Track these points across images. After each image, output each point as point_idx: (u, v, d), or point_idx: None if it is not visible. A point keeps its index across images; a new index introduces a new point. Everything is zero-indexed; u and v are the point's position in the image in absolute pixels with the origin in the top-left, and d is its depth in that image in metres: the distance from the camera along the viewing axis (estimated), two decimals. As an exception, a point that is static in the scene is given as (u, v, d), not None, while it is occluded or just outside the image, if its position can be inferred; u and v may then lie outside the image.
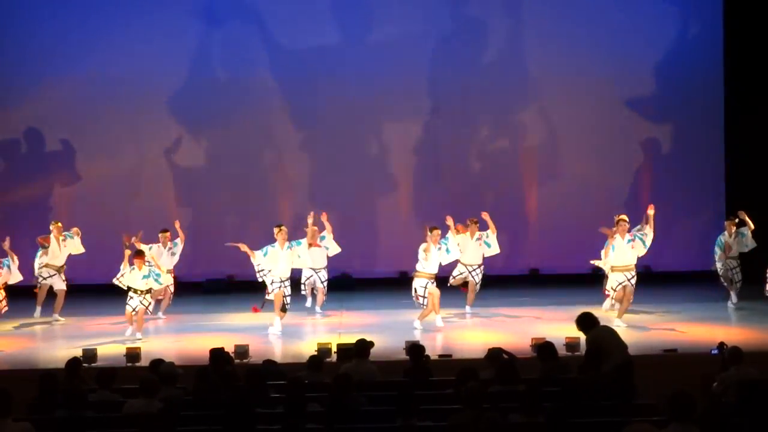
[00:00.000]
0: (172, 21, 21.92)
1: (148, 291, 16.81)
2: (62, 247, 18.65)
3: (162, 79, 21.91)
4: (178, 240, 18.84)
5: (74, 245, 18.79)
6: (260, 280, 17.27)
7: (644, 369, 13.12)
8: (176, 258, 18.89)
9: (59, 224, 18.77)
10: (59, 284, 18.62)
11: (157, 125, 22.04)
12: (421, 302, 17.14)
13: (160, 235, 18.75)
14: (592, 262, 18.29)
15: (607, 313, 17.22)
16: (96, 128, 21.94)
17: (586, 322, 12.54)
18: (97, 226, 20.87)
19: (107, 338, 16.42)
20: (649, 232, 17.07)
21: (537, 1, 22.27)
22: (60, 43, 21.83)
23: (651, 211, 17.17)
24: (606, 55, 22.03)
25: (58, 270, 18.63)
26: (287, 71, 21.98)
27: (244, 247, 16.99)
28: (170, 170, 22.18)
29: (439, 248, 17.28)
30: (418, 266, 17.28)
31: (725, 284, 18.72)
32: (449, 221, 17.69)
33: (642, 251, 17.20)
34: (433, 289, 17.07)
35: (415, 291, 17.19)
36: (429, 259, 17.09)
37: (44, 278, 18.54)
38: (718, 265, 18.62)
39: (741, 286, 18.64)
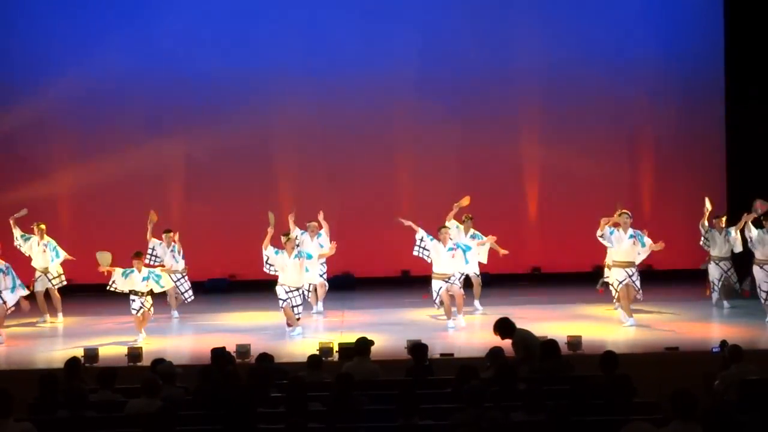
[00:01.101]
0: (170, 17, 21.91)
1: (150, 292, 16.79)
2: (42, 251, 18.54)
3: (160, 77, 21.88)
4: (175, 246, 18.75)
5: (58, 257, 18.68)
6: (266, 270, 17.22)
7: (645, 367, 13.16)
8: (180, 263, 18.80)
9: (42, 226, 18.62)
10: (51, 284, 18.59)
11: (157, 125, 22.00)
12: (439, 303, 17.16)
13: (163, 235, 18.74)
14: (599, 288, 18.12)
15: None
16: (94, 128, 21.89)
17: (506, 326, 12.73)
18: (96, 227, 20.87)
19: (109, 338, 16.44)
20: (648, 244, 17.05)
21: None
22: (53, 44, 21.81)
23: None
24: (606, 52, 22.01)
25: (44, 272, 18.58)
26: (288, 70, 21.94)
27: (271, 229, 16.86)
28: (170, 169, 22.15)
29: (453, 249, 17.20)
30: (433, 267, 17.28)
31: (716, 288, 18.33)
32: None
33: (639, 249, 17.16)
34: (445, 296, 17.04)
35: (436, 293, 17.15)
36: (436, 252, 17.08)
37: (33, 282, 18.50)
38: (714, 270, 18.33)
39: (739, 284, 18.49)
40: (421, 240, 17.26)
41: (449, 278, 17.12)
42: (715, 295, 18.38)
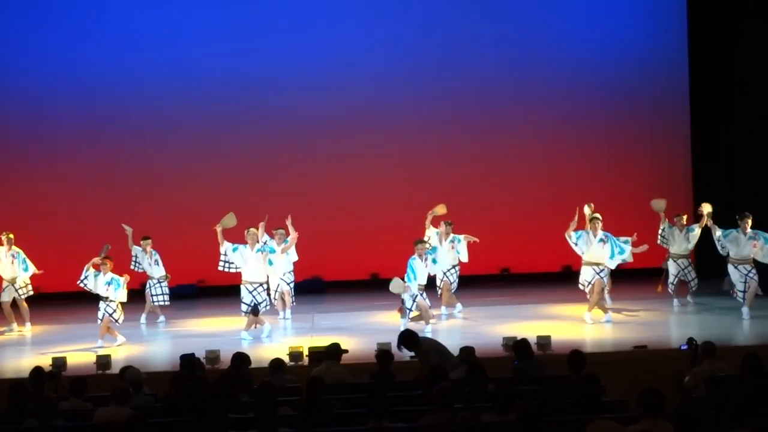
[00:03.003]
0: (158, 18, 21.86)
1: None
2: (10, 261, 18.39)
3: (139, 79, 21.75)
4: (155, 253, 18.69)
5: (26, 271, 18.51)
6: (220, 268, 17.16)
7: (615, 366, 13.24)
8: (160, 268, 18.72)
9: (11, 235, 18.45)
10: (18, 295, 18.45)
11: (128, 129, 21.89)
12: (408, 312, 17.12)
13: (141, 242, 18.62)
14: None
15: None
16: (67, 130, 21.78)
17: (411, 338, 12.81)
18: (65, 232, 20.76)
19: (77, 346, 16.36)
20: (627, 250, 17.30)
21: (507, 5, 22.31)
22: (35, 40, 21.71)
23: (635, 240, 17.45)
24: (575, 57, 22.07)
25: (11, 282, 18.43)
26: (266, 72, 21.89)
27: (219, 230, 16.89)
28: (136, 176, 22.01)
29: (426, 259, 17.21)
30: (405, 278, 17.18)
31: (672, 286, 18.52)
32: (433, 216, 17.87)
33: (608, 258, 17.32)
34: (422, 302, 17.02)
35: (403, 302, 17.13)
36: (419, 272, 17.06)
37: None
38: (672, 266, 18.54)
39: (698, 283, 18.63)
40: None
41: (423, 291, 17.11)
42: (671, 289, 18.58)
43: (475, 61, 22.09)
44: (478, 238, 18.47)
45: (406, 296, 16.88)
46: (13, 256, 18.41)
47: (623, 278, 19.76)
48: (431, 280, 18.06)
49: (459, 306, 18.57)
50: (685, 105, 22.09)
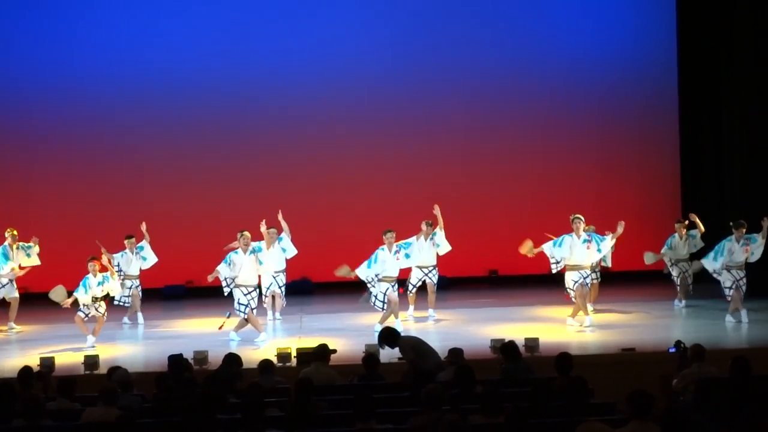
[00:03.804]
0: (148, 19, 21.87)
1: (104, 297, 16.65)
2: (15, 257, 18.37)
3: (128, 80, 21.75)
4: (143, 243, 18.64)
5: (29, 258, 18.48)
6: (227, 293, 17.04)
7: (603, 368, 13.24)
8: (149, 261, 18.67)
9: (15, 232, 18.44)
10: (12, 293, 18.32)
11: (116, 131, 21.87)
12: (380, 307, 17.15)
13: (125, 241, 18.57)
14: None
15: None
16: (56, 131, 21.76)
17: (391, 336, 12.89)
18: (54, 234, 20.69)
19: (65, 345, 16.32)
20: (607, 239, 17.19)
21: (498, 6, 22.32)
22: (24, 40, 21.71)
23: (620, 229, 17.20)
24: (564, 57, 22.12)
25: (11, 280, 18.36)
26: (254, 75, 21.90)
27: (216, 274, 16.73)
28: (128, 177, 22.01)
29: (397, 252, 17.25)
30: (366, 263, 17.25)
31: (678, 286, 18.75)
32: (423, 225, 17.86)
33: (596, 255, 17.32)
34: (393, 296, 17.08)
35: (375, 296, 17.20)
36: (386, 263, 17.11)
37: None
38: (673, 268, 18.67)
39: (692, 286, 18.77)
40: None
41: (394, 283, 17.22)
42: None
43: (464, 63, 22.14)
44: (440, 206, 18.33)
45: (376, 290, 17.08)
46: (18, 247, 18.33)
47: (612, 281, 19.79)
48: (403, 280, 18.21)
49: (411, 309, 18.60)
50: (674, 106, 22.18)
